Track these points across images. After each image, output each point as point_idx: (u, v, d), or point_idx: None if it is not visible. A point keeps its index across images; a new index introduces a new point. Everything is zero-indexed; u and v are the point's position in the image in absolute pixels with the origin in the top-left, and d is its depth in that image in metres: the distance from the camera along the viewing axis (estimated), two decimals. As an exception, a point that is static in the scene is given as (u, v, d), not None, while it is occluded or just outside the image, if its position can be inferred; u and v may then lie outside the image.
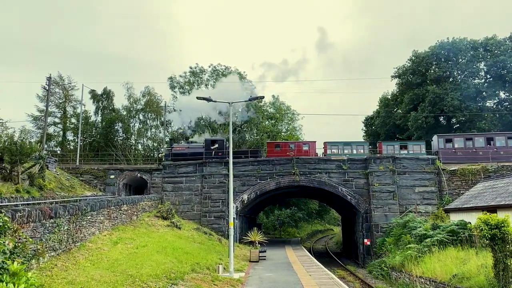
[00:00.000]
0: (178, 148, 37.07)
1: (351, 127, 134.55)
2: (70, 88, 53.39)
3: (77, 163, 39.42)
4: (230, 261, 18.88)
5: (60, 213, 13.64)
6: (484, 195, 25.50)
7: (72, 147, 52.76)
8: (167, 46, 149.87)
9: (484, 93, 47.19)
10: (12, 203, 17.54)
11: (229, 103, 22.02)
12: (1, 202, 17.37)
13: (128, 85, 56.36)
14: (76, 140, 51.10)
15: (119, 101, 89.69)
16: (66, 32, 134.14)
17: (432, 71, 48.97)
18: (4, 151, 22.70)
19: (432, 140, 37.68)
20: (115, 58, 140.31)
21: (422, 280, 19.29)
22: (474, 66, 47.39)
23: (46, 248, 12.27)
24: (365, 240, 31.58)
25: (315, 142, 38.15)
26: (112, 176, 34.88)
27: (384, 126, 54.97)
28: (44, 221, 12.45)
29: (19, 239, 9.95)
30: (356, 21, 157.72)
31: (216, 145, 36.15)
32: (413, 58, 51.29)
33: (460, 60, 48.37)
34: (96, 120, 56.31)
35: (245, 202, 33.51)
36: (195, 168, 34.19)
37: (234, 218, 23.62)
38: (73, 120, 55.36)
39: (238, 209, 33.08)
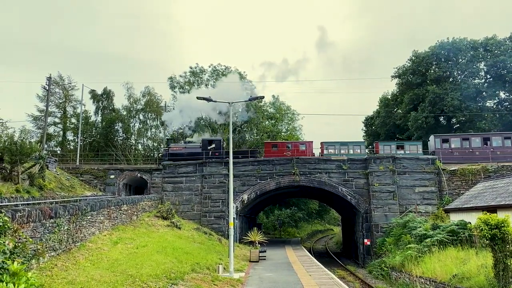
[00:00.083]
0: (175, 148, 37.13)
1: (351, 127, 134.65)
2: (70, 88, 53.45)
3: (77, 163, 39.43)
4: (230, 261, 18.88)
5: (60, 213, 13.64)
6: (484, 195, 25.50)
7: (72, 147, 52.76)
8: (167, 46, 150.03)
9: (484, 93, 47.19)
10: (12, 203, 17.54)
11: (229, 103, 22.03)
12: (1, 202, 17.37)
13: (128, 85, 56.39)
14: (76, 140, 51.12)
15: (119, 101, 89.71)
16: (66, 32, 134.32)
17: (432, 71, 48.97)
18: (4, 151, 22.70)
19: (429, 140, 37.73)
20: (115, 58, 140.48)
21: (422, 280, 19.30)
22: (474, 66, 47.40)
23: (46, 248, 12.27)
24: (365, 240, 31.58)
25: (312, 142, 38.43)
26: (112, 176, 34.88)
27: (384, 126, 54.97)
28: (44, 221, 12.45)
29: (19, 239, 9.95)
30: (356, 21, 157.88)
31: (213, 145, 36.23)
32: (413, 58, 51.30)
33: (460, 60, 48.38)
34: (96, 120, 56.31)
35: (245, 202, 33.51)
36: (195, 168, 34.21)
37: (234, 218, 23.62)
38: (73, 120, 55.37)
39: (238, 209, 33.09)
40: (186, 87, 56.82)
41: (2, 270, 6.89)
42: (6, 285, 6.33)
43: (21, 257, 8.94)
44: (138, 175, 35.32)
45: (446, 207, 28.80)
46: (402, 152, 34.98)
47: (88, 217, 16.53)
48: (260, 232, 28.64)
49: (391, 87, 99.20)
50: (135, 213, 25.02)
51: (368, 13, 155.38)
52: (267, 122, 60.56)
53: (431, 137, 36.48)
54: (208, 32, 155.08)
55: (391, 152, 34.93)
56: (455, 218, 25.74)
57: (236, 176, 32.46)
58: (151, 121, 57.43)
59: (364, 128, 63.84)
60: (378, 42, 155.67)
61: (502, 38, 48.10)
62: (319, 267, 22.58)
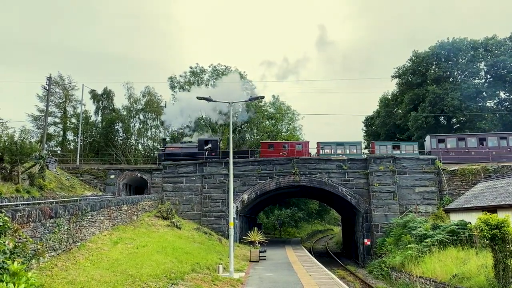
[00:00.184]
0: (171, 148, 37.21)
1: (351, 127, 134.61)
2: (70, 88, 53.45)
3: (77, 163, 39.43)
4: (230, 261, 18.88)
5: (60, 213, 13.64)
6: (484, 195, 25.49)
7: (72, 147, 52.77)
8: (167, 46, 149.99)
9: (484, 93, 47.20)
10: (12, 203, 17.53)
11: (229, 103, 22.03)
12: (1, 202, 17.37)
13: (128, 85, 56.42)
14: (76, 140, 51.12)
15: (119, 101, 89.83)
16: (66, 32, 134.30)
17: (432, 71, 48.97)
18: (4, 151, 22.69)
19: (425, 141, 37.77)
20: (115, 58, 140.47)
21: (422, 280, 19.29)
22: (474, 66, 47.41)
23: (46, 248, 12.26)
24: (365, 240, 31.58)
25: (308, 142, 38.82)
26: (112, 176, 34.88)
27: (384, 126, 54.97)
28: (44, 221, 12.44)
29: (19, 239, 9.94)
30: (356, 21, 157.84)
31: (209, 145, 36.28)
32: (413, 58, 51.31)
33: (460, 60, 48.39)
34: (96, 120, 56.32)
35: (245, 202, 33.51)
36: (195, 168, 34.21)
37: (234, 218, 23.62)
38: (73, 120, 55.36)
39: (238, 209, 33.09)
40: (186, 87, 56.85)
41: (2, 270, 6.89)
42: (6, 285, 6.33)
43: (21, 257, 8.94)
44: (138, 175, 35.32)
45: (446, 207, 28.78)
46: (398, 152, 35.10)
47: (88, 217, 16.53)
48: (260, 232, 28.65)
49: (391, 87, 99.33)
50: (135, 213, 25.02)
51: (368, 13, 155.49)
52: (267, 122, 60.58)
53: (427, 137, 36.59)
54: (208, 32, 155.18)
55: (387, 152, 35.06)
56: (455, 218, 25.73)
57: (236, 176, 32.46)
58: (151, 121, 57.47)
59: (364, 128, 63.85)
60: (378, 42, 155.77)
61: (502, 38, 48.14)
62: (319, 267, 22.59)
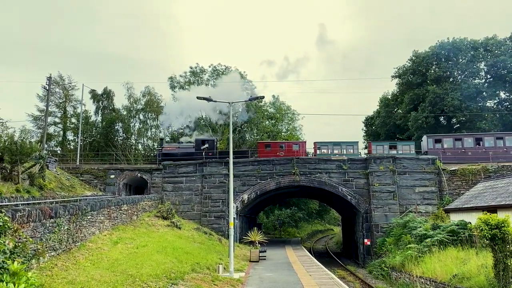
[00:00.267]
0: (168, 148, 37.25)
1: (351, 127, 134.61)
2: (70, 88, 53.42)
3: (77, 163, 39.43)
4: (230, 261, 18.88)
5: (60, 213, 13.64)
6: (484, 195, 25.49)
7: (72, 147, 52.76)
8: (167, 46, 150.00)
9: (484, 93, 47.19)
10: (12, 203, 17.53)
11: (229, 103, 22.03)
12: (1, 202, 17.36)
13: (128, 85, 56.39)
14: (76, 140, 51.10)
15: (119, 101, 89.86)
16: (66, 32, 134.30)
17: (432, 71, 48.96)
18: (4, 151, 22.69)
19: (421, 141, 37.78)
20: (115, 58, 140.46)
21: (422, 280, 19.29)
22: (474, 66, 47.40)
23: (46, 248, 12.26)
24: (365, 240, 31.58)
25: (305, 142, 39.12)
26: (112, 176, 34.88)
27: (385, 126, 54.97)
28: (44, 220, 12.44)
29: (19, 239, 9.94)
30: (356, 21, 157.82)
31: (206, 145, 36.29)
32: (413, 58, 51.30)
33: (460, 60, 48.38)
34: (96, 120, 56.30)
35: (245, 202, 33.51)
36: (195, 168, 34.21)
37: (234, 218, 23.61)
38: (73, 120, 55.34)
39: (238, 209, 33.09)
40: (186, 87, 56.86)
41: (2, 270, 6.89)
42: (6, 285, 6.32)
43: (21, 257, 8.93)
44: (138, 175, 35.32)
45: (446, 207, 28.78)
46: (395, 152, 35.14)
47: (88, 217, 16.52)
48: (260, 232, 28.64)
49: (391, 87, 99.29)
50: (135, 213, 25.01)
51: (368, 13, 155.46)
52: (267, 122, 60.56)
53: (424, 137, 36.65)
54: (208, 32, 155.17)
55: (384, 152, 35.10)
56: (455, 218, 25.73)
57: (236, 176, 32.46)
58: (151, 121, 57.46)
59: (364, 128, 63.85)
60: (378, 42, 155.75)
61: (502, 38, 48.12)
62: (319, 267, 22.58)
